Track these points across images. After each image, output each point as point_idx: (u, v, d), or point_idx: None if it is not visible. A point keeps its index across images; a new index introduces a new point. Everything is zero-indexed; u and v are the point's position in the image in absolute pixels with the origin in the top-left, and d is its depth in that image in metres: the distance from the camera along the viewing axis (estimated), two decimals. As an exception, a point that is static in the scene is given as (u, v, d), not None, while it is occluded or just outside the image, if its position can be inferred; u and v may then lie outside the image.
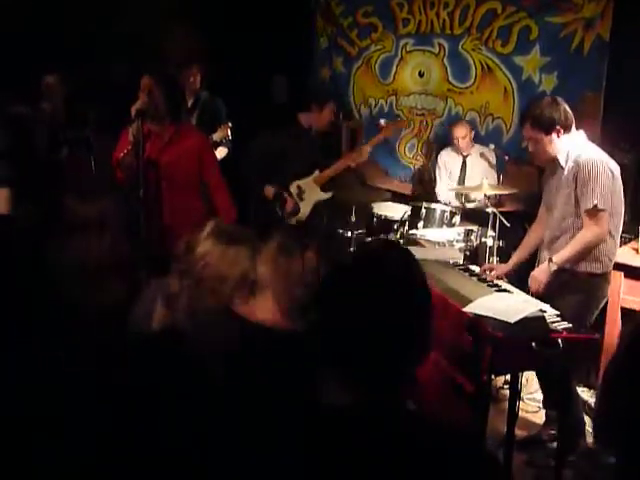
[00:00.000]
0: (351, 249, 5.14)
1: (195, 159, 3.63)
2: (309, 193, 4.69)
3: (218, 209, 3.67)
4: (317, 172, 4.74)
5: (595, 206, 3.15)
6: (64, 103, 4.96)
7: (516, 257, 3.64)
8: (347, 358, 1.22)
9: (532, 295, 3.24)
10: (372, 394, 1.22)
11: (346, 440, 1.17)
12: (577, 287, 3.28)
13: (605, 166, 3.18)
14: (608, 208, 3.19)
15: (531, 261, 3.73)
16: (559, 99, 3.30)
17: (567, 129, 3.25)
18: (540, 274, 3.31)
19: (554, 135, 3.24)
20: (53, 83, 4.96)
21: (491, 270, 3.62)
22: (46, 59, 5.05)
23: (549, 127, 3.23)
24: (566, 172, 3.28)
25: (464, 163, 5.57)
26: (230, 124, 5.33)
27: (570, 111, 3.27)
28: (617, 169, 3.24)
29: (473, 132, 5.56)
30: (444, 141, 5.88)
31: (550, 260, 3.27)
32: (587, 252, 3.27)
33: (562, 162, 3.29)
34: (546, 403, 3.74)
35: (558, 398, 3.52)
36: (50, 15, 5.28)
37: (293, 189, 4.71)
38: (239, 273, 1.98)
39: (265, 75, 6.60)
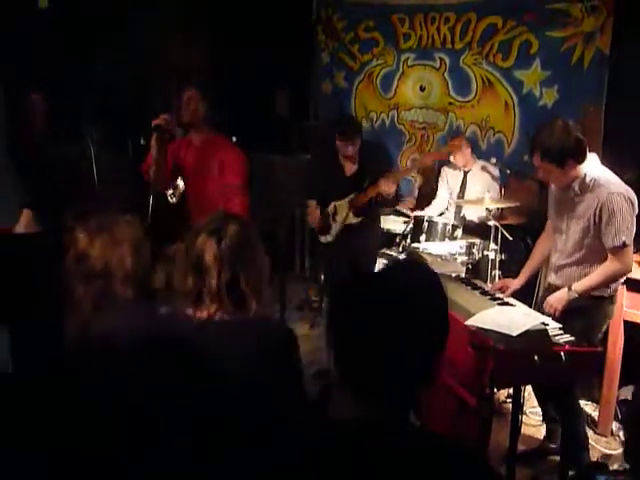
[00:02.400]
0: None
1: (220, 169, 3.71)
2: (340, 215, 4.59)
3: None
4: (352, 196, 4.57)
5: (624, 243, 3.06)
6: (48, 119, 4.98)
7: (527, 271, 3.55)
8: (361, 376, 1.22)
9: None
10: (384, 412, 1.21)
11: (355, 455, 1.16)
12: (584, 309, 3.21)
13: (628, 199, 3.06)
14: (631, 242, 3.10)
15: (534, 276, 3.72)
16: (571, 124, 3.05)
17: (581, 160, 3.08)
18: (557, 301, 3.21)
19: (567, 167, 3.08)
20: (37, 99, 4.98)
21: (502, 290, 3.50)
22: (43, 74, 5.08)
23: (562, 161, 3.05)
24: (582, 201, 3.14)
25: (464, 179, 5.57)
26: (235, 139, 5.34)
27: (583, 137, 3.06)
28: (635, 198, 3.09)
29: (470, 148, 5.52)
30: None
31: (570, 288, 3.19)
32: (609, 284, 3.21)
33: (577, 189, 3.15)
34: (546, 417, 3.73)
35: (559, 412, 3.50)
36: (50, 31, 5.32)
37: (330, 209, 4.62)
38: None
39: (267, 90, 6.63)
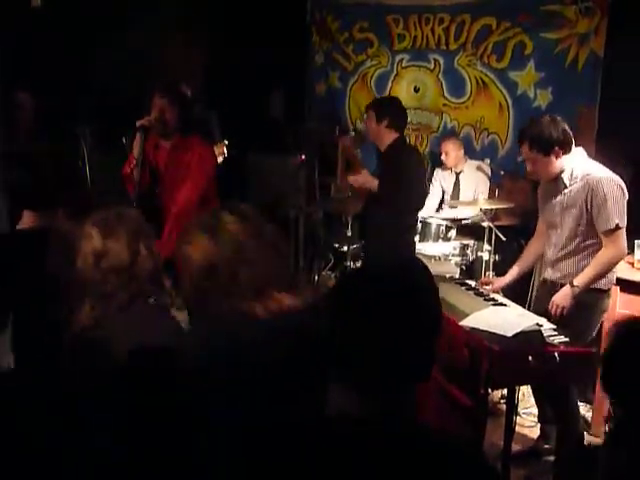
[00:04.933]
0: (347, 263, 5.14)
1: (186, 170, 3.68)
2: None
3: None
4: None
5: (617, 225, 3.10)
6: (39, 118, 4.96)
7: (514, 271, 3.60)
8: (359, 369, 1.22)
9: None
10: (381, 408, 1.21)
11: (354, 450, 1.16)
12: (582, 303, 3.22)
13: (617, 183, 3.13)
14: (624, 225, 3.15)
15: (527, 275, 3.72)
16: (558, 118, 3.21)
17: (567, 150, 3.18)
18: (563, 299, 3.21)
19: (553, 157, 3.17)
20: (24, 97, 4.95)
21: (488, 284, 3.59)
22: (35, 73, 5.06)
23: (548, 149, 3.15)
24: (572, 192, 3.21)
25: (457, 180, 5.58)
26: (226, 142, 5.31)
27: (569, 130, 3.19)
28: (624, 184, 3.17)
29: (462, 150, 5.55)
30: (439, 157, 5.90)
31: (572, 284, 3.20)
32: (608, 272, 3.22)
33: (566, 181, 3.22)
34: (542, 417, 3.72)
35: (557, 412, 3.50)
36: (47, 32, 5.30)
37: None
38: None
39: (261, 91, 6.62)
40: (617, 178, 3.17)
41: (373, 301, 1.23)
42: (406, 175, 4.16)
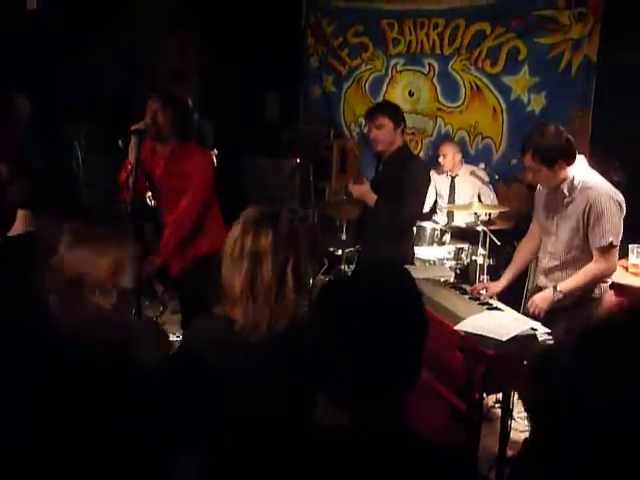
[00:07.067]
0: (341, 267, 5.13)
1: (187, 178, 3.64)
2: None
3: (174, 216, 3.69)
4: None
5: (610, 243, 3.11)
6: (33, 121, 4.94)
7: (508, 275, 3.59)
8: (342, 379, 1.21)
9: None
10: (367, 415, 1.20)
11: (340, 461, 1.15)
12: (573, 311, 3.21)
13: (615, 200, 3.12)
14: (618, 243, 3.16)
15: (521, 279, 3.71)
16: (562, 128, 3.17)
17: (571, 161, 3.15)
18: (542, 301, 3.23)
19: (557, 168, 3.14)
20: (19, 99, 4.93)
21: (483, 289, 3.57)
22: (30, 76, 5.05)
23: (552, 161, 3.12)
24: (572, 203, 3.19)
25: (452, 183, 5.58)
26: (216, 151, 5.28)
27: (573, 140, 3.16)
28: (622, 200, 3.15)
29: (460, 154, 5.54)
30: (434, 160, 5.91)
31: (555, 288, 3.21)
32: (594, 284, 3.24)
33: (566, 191, 3.20)
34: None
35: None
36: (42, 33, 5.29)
37: None
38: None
39: (257, 94, 6.63)
40: (616, 193, 3.15)
41: (349, 310, 1.21)
42: (414, 185, 3.96)
